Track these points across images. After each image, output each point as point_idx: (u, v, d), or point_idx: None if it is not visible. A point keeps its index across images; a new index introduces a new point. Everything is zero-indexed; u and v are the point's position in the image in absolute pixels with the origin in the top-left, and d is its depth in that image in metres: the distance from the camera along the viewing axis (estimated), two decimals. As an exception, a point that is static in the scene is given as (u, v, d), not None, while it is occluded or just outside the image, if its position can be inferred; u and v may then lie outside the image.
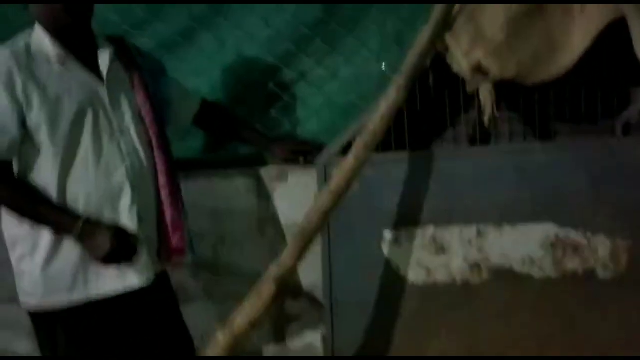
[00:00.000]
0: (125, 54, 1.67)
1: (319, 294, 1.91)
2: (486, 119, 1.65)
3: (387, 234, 1.80)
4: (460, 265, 1.78)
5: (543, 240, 1.73)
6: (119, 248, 1.55)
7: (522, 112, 1.77)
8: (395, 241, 1.81)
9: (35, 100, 1.52)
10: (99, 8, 1.65)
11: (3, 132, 1.52)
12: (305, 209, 1.82)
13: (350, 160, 1.54)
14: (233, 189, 2.00)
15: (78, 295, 1.57)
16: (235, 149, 2.06)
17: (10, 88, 1.52)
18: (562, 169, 1.71)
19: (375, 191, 1.78)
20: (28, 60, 1.54)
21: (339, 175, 1.53)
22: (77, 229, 1.53)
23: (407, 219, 1.79)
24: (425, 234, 1.79)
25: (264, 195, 1.99)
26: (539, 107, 1.74)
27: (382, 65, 1.98)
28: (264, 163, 2.00)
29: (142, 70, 1.68)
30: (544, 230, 1.73)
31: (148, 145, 1.64)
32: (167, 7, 2.04)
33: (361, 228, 1.81)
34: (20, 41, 1.58)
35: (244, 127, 1.94)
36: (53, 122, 1.53)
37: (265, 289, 1.52)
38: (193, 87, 1.97)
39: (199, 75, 2.04)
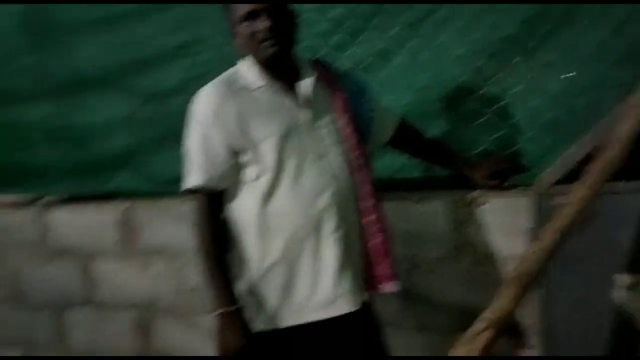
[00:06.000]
0: (327, 76, 1.65)
1: (536, 340, 1.68)
2: None
3: (621, 278, 1.54)
4: None
5: None
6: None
7: None
8: (631, 287, 1.54)
9: (244, 127, 1.55)
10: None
11: (215, 164, 1.56)
12: (504, 236, 1.70)
13: (581, 191, 1.32)
14: (428, 212, 1.87)
15: (281, 323, 1.57)
16: (430, 169, 1.93)
17: (221, 120, 1.55)
18: None
19: (606, 227, 1.53)
20: (234, 91, 1.57)
21: (568, 210, 1.32)
22: (216, 312, 1.55)
23: (647, 261, 1.52)
24: (670, 279, 1.51)
25: (460, 220, 1.83)
26: None
27: (591, 77, 1.70)
28: (461, 185, 1.84)
29: (344, 92, 1.65)
30: None
31: (350, 169, 1.59)
32: (364, 31, 2.04)
33: (587, 270, 1.57)
34: (225, 76, 1.62)
35: (439, 149, 1.84)
36: (257, 149, 1.54)
37: (482, 336, 1.37)
38: (389, 105, 1.90)
39: (394, 94, 1.96)
